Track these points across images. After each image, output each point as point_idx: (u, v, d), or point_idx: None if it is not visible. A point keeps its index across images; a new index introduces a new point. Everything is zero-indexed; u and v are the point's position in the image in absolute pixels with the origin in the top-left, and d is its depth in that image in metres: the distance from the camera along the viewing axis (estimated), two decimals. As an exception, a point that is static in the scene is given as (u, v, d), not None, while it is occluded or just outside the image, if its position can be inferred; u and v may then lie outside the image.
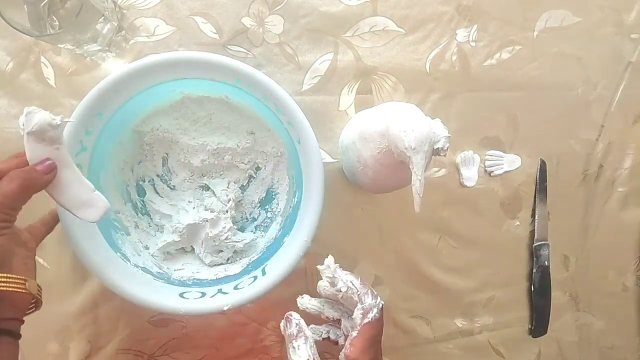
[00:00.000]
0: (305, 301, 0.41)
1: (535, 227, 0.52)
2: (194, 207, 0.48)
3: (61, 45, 0.46)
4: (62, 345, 0.50)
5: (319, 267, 0.39)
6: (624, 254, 0.54)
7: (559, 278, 0.53)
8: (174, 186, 0.49)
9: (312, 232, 0.41)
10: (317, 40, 0.49)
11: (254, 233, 0.50)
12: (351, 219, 0.50)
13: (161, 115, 0.47)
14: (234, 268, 0.47)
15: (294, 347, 0.38)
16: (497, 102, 0.50)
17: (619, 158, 0.52)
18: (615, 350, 0.55)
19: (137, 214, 0.48)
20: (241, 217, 0.50)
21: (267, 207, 0.50)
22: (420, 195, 0.35)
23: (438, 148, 0.37)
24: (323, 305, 0.41)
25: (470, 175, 0.51)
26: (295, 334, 0.38)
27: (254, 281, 0.43)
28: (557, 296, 0.53)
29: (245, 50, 0.48)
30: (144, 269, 0.44)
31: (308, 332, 0.38)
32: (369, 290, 0.38)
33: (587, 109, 0.51)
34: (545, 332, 0.53)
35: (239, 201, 0.50)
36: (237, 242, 0.48)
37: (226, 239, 0.47)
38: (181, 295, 0.43)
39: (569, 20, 0.50)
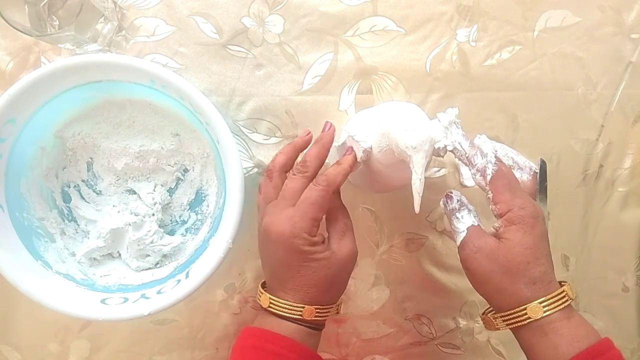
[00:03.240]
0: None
1: (536, 227, 0.52)
2: (118, 212, 0.48)
3: (61, 45, 0.46)
4: (62, 345, 0.50)
5: (439, 114, 0.38)
6: (624, 254, 0.54)
7: (559, 278, 0.53)
8: (100, 191, 0.49)
9: (234, 232, 0.41)
10: (317, 40, 0.49)
11: (184, 236, 0.49)
12: (351, 219, 0.50)
13: (83, 120, 0.47)
14: (161, 272, 0.47)
15: (457, 218, 0.38)
16: (497, 102, 0.50)
17: (619, 158, 0.52)
18: (615, 350, 0.55)
19: (64, 221, 0.48)
20: (170, 221, 0.50)
21: (197, 209, 0.50)
22: (420, 195, 0.35)
23: (438, 148, 0.37)
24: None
25: (470, 175, 0.51)
26: (457, 207, 0.39)
27: (177, 285, 0.42)
28: (557, 296, 0.53)
29: (245, 50, 0.48)
30: (67, 276, 0.44)
31: (471, 206, 0.39)
32: (477, 151, 0.37)
33: (587, 109, 0.51)
34: (546, 332, 0.53)
35: (167, 204, 0.49)
36: (164, 245, 0.47)
37: (152, 242, 0.47)
38: (103, 301, 0.42)
39: (569, 20, 0.50)
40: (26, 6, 0.42)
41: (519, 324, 0.35)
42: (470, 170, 0.38)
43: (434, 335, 0.53)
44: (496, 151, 0.42)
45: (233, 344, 0.39)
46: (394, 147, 0.37)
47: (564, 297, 0.35)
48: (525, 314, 0.34)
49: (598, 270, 0.54)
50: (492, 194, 0.37)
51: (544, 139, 0.51)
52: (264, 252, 0.40)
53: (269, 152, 0.50)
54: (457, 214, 0.38)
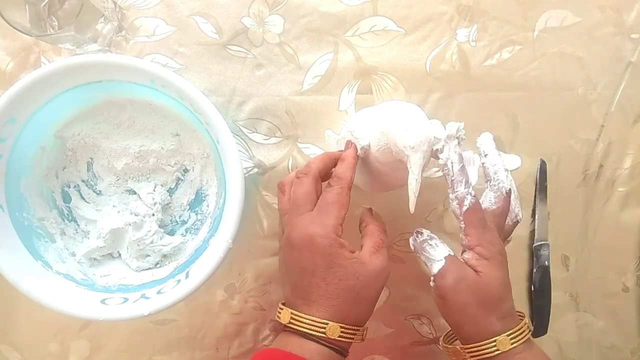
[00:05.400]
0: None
1: (535, 227, 0.52)
2: (118, 212, 0.48)
3: (61, 45, 0.46)
4: (62, 345, 0.50)
5: (449, 123, 0.37)
6: (624, 254, 0.54)
7: (559, 278, 0.53)
8: (100, 191, 0.49)
9: (234, 232, 0.41)
10: (317, 40, 0.49)
11: (184, 236, 0.49)
12: (350, 219, 0.50)
13: (83, 120, 0.47)
14: (161, 272, 0.47)
15: (432, 245, 0.38)
16: (497, 102, 0.50)
17: (619, 158, 0.52)
18: (615, 350, 0.55)
19: (64, 221, 0.48)
20: (170, 221, 0.50)
21: (197, 209, 0.50)
22: (416, 195, 0.35)
23: (437, 150, 0.37)
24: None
25: (470, 176, 0.51)
26: (429, 238, 0.38)
27: (177, 285, 0.42)
28: (557, 296, 0.53)
29: (245, 50, 0.48)
30: (67, 276, 0.44)
31: (441, 240, 0.39)
32: (464, 179, 0.37)
33: (587, 109, 0.51)
34: (545, 332, 0.53)
35: (167, 204, 0.49)
36: (164, 245, 0.47)
37: (152, 242, 0.47)
38: (103, 301, 0.42)
39: (569, 20, 0.50)
40: (26, 6, 0.42)
41: (487, 355, 0.35)
42: (449, 193, 0.37)
43: (434, 335, 0.53)
44: (486, 155, 0.41)
45: None
46: (392, 146, 0.37)
47: (526, 329, 0.36)
48: (495, 346, 0.35)
49: (598, 270, 0.54)
50: (464, 225, 0.37)
51: (544, 139, 0.51)
52: (285, 265, 0.38)
53: (269, 152, 0.50)
54: (430, 241, 0.38)
